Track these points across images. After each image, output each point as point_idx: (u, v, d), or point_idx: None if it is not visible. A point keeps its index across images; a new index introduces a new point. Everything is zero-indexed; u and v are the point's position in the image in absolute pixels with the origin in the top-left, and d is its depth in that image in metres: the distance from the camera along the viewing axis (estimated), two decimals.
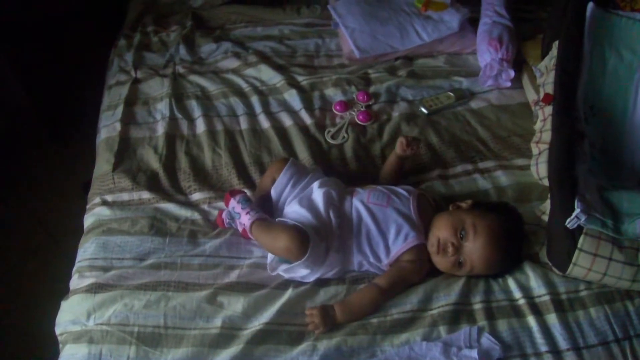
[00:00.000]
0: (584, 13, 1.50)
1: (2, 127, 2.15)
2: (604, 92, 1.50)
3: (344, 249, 1.30)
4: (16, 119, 2.15)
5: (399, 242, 1.30)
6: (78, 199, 1.51)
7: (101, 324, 1.21)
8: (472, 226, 1.28)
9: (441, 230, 1.30)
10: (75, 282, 1.33)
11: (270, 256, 1.31)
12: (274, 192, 1.40)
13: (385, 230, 1.31)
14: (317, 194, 1.35)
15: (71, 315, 1.25)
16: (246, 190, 1.46)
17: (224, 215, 1.40)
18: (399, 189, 1.38)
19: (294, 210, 1.34)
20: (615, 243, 1.23)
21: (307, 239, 1.23)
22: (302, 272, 1.28)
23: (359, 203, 1.34)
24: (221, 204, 1.46)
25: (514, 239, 1.33)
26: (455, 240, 1.27)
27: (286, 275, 1.30)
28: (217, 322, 1.21)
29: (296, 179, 1.39)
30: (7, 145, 2.20)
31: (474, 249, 1.26)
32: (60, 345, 1.25)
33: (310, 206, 1.33)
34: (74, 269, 1.36)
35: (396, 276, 1.28)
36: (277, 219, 1.34)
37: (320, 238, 1.26)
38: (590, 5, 1.50)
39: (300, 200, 1.35)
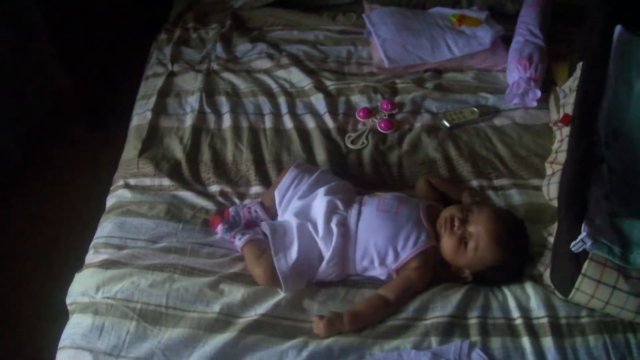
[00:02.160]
0: (611, 35, 1.48)
1: (45, 109, 2.29)
2: (629, 117, 1.47)
3: (344, 257, 1.32)
4: (59, 103, 2.28)
5: (408, 247, 1.31)
6: (108, 183, 1.61)
7: (107, 298, 1.28)
8: (477, 206, 1.35)
9: (448, 211, 1.35)
10: (90, 257, 1.41)
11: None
12: (277, 194, 1.43)
13: (395, 237, 1.32)
14: (320, 202, 1.37)
15: (82, 287, 1.33)
16: (259, 187, 1.52)
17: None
18: (408, 197, 1.40)
19: (288, 221, 1.37)
20: (621, 271, 1.20)
21: (277, 283, 1.27)
22: None
23: (367, 211, 1.36)
24: (237, 200, 1.52)
25: (517, 226, 1.35)
26: (461, 214, 1.31)
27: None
28: (216, 307, 1.25)
29: (299, 179, 1.43)
30: (48, 127, 2.34)
31: (479, 220, 1.30)
32: (70, 315, 1.31)
33: (308, 218, 1.35)
34: (91, 244, 1.44)
35: (402, 287, 1.28)
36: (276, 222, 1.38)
37: (301, 270, 1.29)
38: (619, 28, 1.48)
39: (299, 212, 1.37)
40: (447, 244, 1.31)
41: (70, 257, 1.48)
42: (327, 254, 1.31)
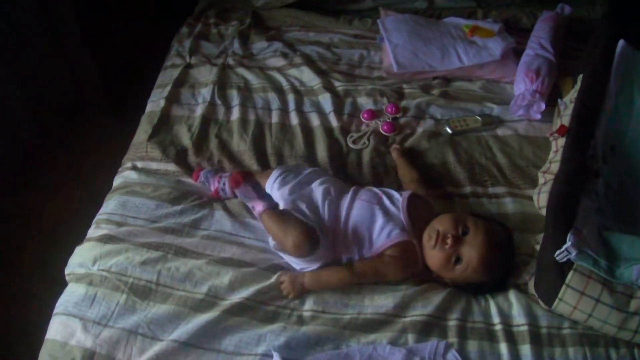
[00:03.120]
0: (614, 50, 1.47)
1: (71, 94, 2.38)
2: (628, 133, 1.47)
3: (334, 243, 1.35)
4: (84, 88, 2.38)
5: (381, 238, 1.33)
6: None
7: (102, 270, 1.34)
8: (474, 223, 1.31)
9: (442, 223, 1.32)
10: (91, 232, 1.47)
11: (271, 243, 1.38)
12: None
13: (371, 227, 1.34)
14: (317, 191, 1.41)
15: (80, 259, 1.39)
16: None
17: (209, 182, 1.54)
18: (393, 192, 1.42)
19: (287, 199, 1.40)
20: (606, 285, 1.20)
21: (317, 240, 1.27)
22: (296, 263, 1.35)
23: (350, 201, 1.39)
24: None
25: (509, 249, 1.35)
26: (456, 232, 1.29)
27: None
28: (204, 288, 1.30)
29: (285, 175, 1.47)
30: (71, 113, 2.43)
31: (475, 245, 1.28)
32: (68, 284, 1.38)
33: (311, 204, 1.38)
34: (94, 220, 1.51)
35: (372, 265, 1.31)
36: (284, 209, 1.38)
37: (324, 238, 1.31)
38: (621, 42, 1.47)
39: (301, 197, 1.40)
40: (435, 257, 1.31)
41: (79, 232, 1.55)
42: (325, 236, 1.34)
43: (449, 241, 1.28)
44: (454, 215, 1.35)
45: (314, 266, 1.33)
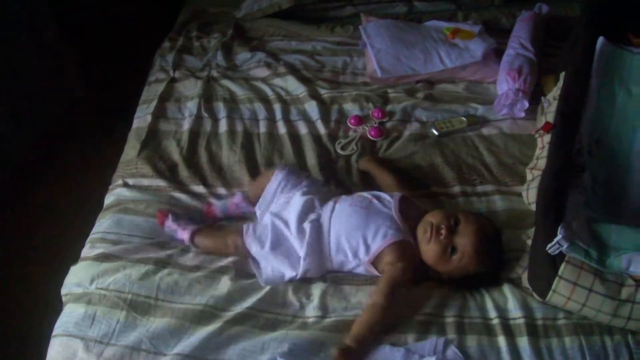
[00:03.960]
0: (594, 46, 1.51)
1: (59, 113, 2.38)
2: (611, 127, 1.50)
3: (320, 250, 1.36)
4: (72, 106, 2.38)
5: (378, 239, 1.34)
6: (110, 182, 1.68)
7: (100, 289, 1.34)
8: (464, 215, 1.36)
9: (434, 217, 1.36)
10: (86, 251, 1.47)
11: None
12: (261, 201, 1.50)
13: (365, 230, 1.36)
14: (297, 201, 1.42)
15: (77, 278, 1.39)
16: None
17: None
18: (383, 194, 1.45)
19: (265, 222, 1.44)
20: (597, 275, 1.23)
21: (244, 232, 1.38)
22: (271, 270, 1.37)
23: (340, 207, 1.41)
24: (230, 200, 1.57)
25: (498, 238, 1.39)
26: (449, 223, 1.33)
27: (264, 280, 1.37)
28: (203, 300, 1.31)
29: (284, 185, 1.48)
30: (61, 129, 2.43)
31: (467, 233, 1.32)
32: (64, 305, 1.37)
33: (281, 217, 1.42)
34: (88, 239, 1.50)
35: (388, 287, 1.30)
36: None
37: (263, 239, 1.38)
38: (601, 39, 1.51)
39: (273, 212, 1.44)
40: (432, 250, 1.34)
41: (71, 251, 1.54)
42: (301, 250, 1.35)
43: (443, 232, 1.32)
44: (443, 210, 1.41)
45: (296, 273, 1.35)
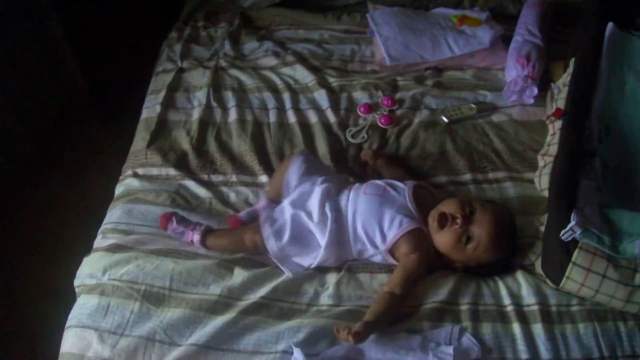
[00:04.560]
0: (603, 32, 1.51)
1: (59, 105, 2.37)
2: (621, 113, 1.50)
3: (339, 240, 1.36)
4: (72, 98, 2.37)
5: (394, 228, 1.34)
6: (116, 174, 1.68)
7: (113, 280, 1.34)
8: (479, 203, 1.35)
9: (448, 206, 1.35)
10: (98, 242, 1.47)
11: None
12: (285, 186, 1.47)
13: (380, 218, 1.36)
14: (317, 191, 1.42)
15: (89, 269, 1.39)
16: (264, 177, 1.58)
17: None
18: (397, 182, 1.44)
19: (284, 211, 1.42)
20: (610, 260, 1.23)
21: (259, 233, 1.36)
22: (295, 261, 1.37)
23: (355, 195, 1.41)
24: (241, 188, 1.58)
25: (514, 226, 1.39)
26: (464, 212, 1.32)
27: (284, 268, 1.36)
28: (217, 290, 1.31)
29: (304, 174, 1.47)
30: (62, 121, 2.43)
31: (484, 222, 1.31)
32: (77, 296, 1.37)
33: (303, 207, 1.40)
34: (100, 230, 1.51)
35: (402, 277, 1.30)
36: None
37: (282, 230, 1.36)
38: (610, 25, 1.51)
39: (294, 202, 1.42)
40: (446, 239, 1.33)
41: (78, 243, 1.54)
42: (322, 239, 1.35)
43: (458, 221, 1.31)
44: (458, 198, 1.40)
45: (317, 261, 1.35)
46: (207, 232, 1.42)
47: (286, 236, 1.35)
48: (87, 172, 2.27)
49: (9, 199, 2.17)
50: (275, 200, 1.49)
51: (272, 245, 1.35)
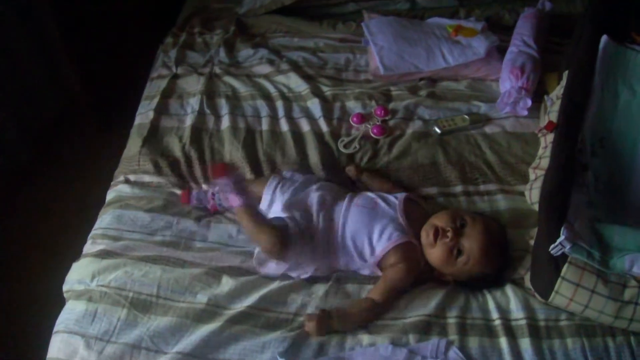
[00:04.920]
0: (597, 45, 1.50)
1: (56, 109, 2.38)
2: (615, 126, 1.49)
3: (328, 250, 1.36)
4: (69, 102, 2.37)
5: (382, 241, 1.34)
6: (111, 179, 1.68)
7: (101, 286, 1.34)
8: (470, 216, 1.35)
9: (439, 219, 1.35)
10: (87, 247, 1.47)
11: (257, 250, 1.39)
12: (264, 202, 1.48)
13: (370, 231, 1.36)
14: (313, 197, 1.42)
15: (78, 275, 1.39)
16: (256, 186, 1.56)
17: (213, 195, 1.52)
18: (388, 195, 1.44)
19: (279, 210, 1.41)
20: (600, 276, 1.22)
21: (288, 242, 1.30)
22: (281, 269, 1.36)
23: (347, 206, 1.40)
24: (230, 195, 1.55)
25: (505, 239, 1.38)
26: (454, 226, 1.32)
27: (265, 271, 1.37)
28: (204, 298, 1.30)
29: (283, 184, 1.48)
30: (58, 126, 2.43)
31: (474, 235, 1.31)
32: (66, 302, 1.37)
33: (305, 211, 1.39)
34: (89, 235, 1.50)
35: (387, 287, 1.31)
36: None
37: (304, 241, 1.33)
38: (604, 38, 1.50)
39: (297, 204, 1.41)
40: (437, 253, 1.33)
41: (71, 247, 1.54)
42: (317, 246, 1.35)
43: (449, 234, 1.31)
44: (449, 210, 1.40)
45: (305, 271, 1.35)
46: (246, 206, 1.36)
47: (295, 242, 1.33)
48: (84, 177, 2.27)
49: (4, 202, 2.18)
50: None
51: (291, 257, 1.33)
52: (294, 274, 1.37)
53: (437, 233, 1.32)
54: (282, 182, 1.49)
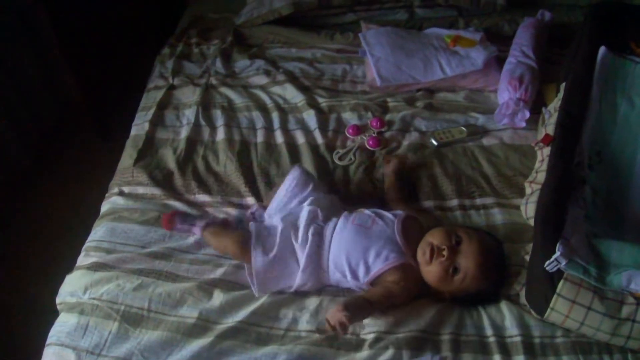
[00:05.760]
0: (595, 56, 1.48)
1: (54, 118, 2.38)
2: (613, 139, 1.47)
3: (317, 266, 1.34)
4: (67, 111, 2.38)
5: (378, 262, 1.32)
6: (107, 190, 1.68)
7: (93, 299, 1.34)
8: (465, 232, 1.33)
9: (435, 237, 1.33)
10: (81, 259, 1.47)
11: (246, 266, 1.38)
12: (271, 205, 1.48)
13: (366, 251, 1.33)
14: (304, 211, 1.41)
15: (71, 287, 1.39)
16: (252, 199, 1.57)
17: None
18: (386, 213, 1.42)
19: (274, 225, 1.41)
20: (596, 292, 1.21)
21: (246, 255, 1.35)
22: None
23: (342, 224, 1.39)
24: (227, 209, 1.56)
25: (501, 255, 1.37)
26: (450, 243, 1.30)
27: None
28: (195, 313, 1.30)
29: (293, 193, 1.47)
30: (56, 135, 2.44)
31: (470, 252, 1.29)
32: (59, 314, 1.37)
33: (292, 224, 1.39)
34: (83, 247, 1.50)
35: (382, 295, 1.29)
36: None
37: (275, 272, 1.34)
38: (602, 49, 1.48)
39: (285, 218, 1.41)
40: (434, 272, 1.31)
41: (67, 258, 1.54)
42: (302, 262, 1.34)
43: (444, 253, 1.29)
44: (444, 227, 1.37)
45: (291, 284, 1.34)
46: (205, 227, 1.45)
47: (274, 250, 1.34)
48: (81, 186, 2.28)
49: (1, 211, 2.18)
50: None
51: (258, 260, 1.33)
52: (283, 285, 1.35)
53: (433, 252, 1.30)
54: (297, 180, 1.48)
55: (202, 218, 1.49)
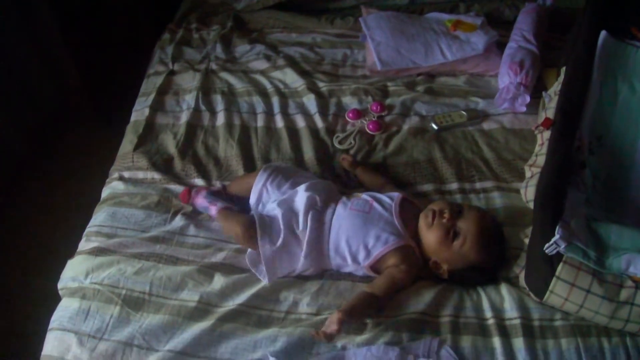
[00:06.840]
0: (596, 41, 1.48)
1: (54, 104, 2.38)
2: (614, 123, 1.47)
3: (317, 251, 1.35)
4: (67, 98, 2.37)
5: (378, 245, 1.33)
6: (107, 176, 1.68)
7: (95, 283, 1.34)
8: (466, 204, 1.39)
9: (437, 204, 1.37)
10: (82, 245, 1.47)
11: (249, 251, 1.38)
12: (253, 194, 1.48)
13: (366, 235, 1.34)
14: (301, 197, 1.41)
15: (72, 272, 1.39)
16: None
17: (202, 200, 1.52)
18: (383, 196, 1.42)
19: (273, 212, 1.41)
20: (595, 275, 1.21)
21: (254, 230, 1.35)
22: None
23: (341, 209, 1.39)
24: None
25: (500, 234, 1.39)
26: (451, 208, 1.34)
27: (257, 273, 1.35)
28: (196, 296, 1.30)
29: (274, 177, 1.47)
30: (56, 122, 2.43)
31: (471, 218, 1.33)
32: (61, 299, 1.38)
33: (291, 210, 1.39)
34: (84, 232, 1.51)
35: (387, 284, 1.29)
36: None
37: (282, 259, 1.34)
38: (603, 33, 1.47)
39: (280, 203, 1.41)
40: (434, 233, 1.33)
41: (68, 244, 1.54)
42: (303, 247, 1.34)
43: (446, 215, 1.32)
44: (446, 200, 1.42)
45: (292, 269, 1.34)
46: (224, 209, 1.46)
47: (280, 241, 1.34)
48: (81, 173, 2.27)
49: (1, 198, 2.18)
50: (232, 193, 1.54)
51: (267, 249, 1.33)
52: (287, 270, 1.36)
53: (435, 215, 1.34)
54: (272, 176, 1.48)
55: (223, 201, 1.49)
